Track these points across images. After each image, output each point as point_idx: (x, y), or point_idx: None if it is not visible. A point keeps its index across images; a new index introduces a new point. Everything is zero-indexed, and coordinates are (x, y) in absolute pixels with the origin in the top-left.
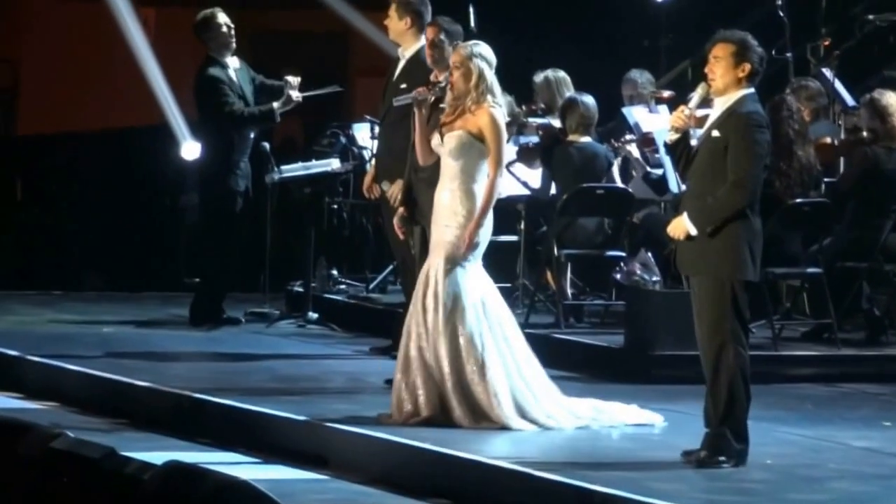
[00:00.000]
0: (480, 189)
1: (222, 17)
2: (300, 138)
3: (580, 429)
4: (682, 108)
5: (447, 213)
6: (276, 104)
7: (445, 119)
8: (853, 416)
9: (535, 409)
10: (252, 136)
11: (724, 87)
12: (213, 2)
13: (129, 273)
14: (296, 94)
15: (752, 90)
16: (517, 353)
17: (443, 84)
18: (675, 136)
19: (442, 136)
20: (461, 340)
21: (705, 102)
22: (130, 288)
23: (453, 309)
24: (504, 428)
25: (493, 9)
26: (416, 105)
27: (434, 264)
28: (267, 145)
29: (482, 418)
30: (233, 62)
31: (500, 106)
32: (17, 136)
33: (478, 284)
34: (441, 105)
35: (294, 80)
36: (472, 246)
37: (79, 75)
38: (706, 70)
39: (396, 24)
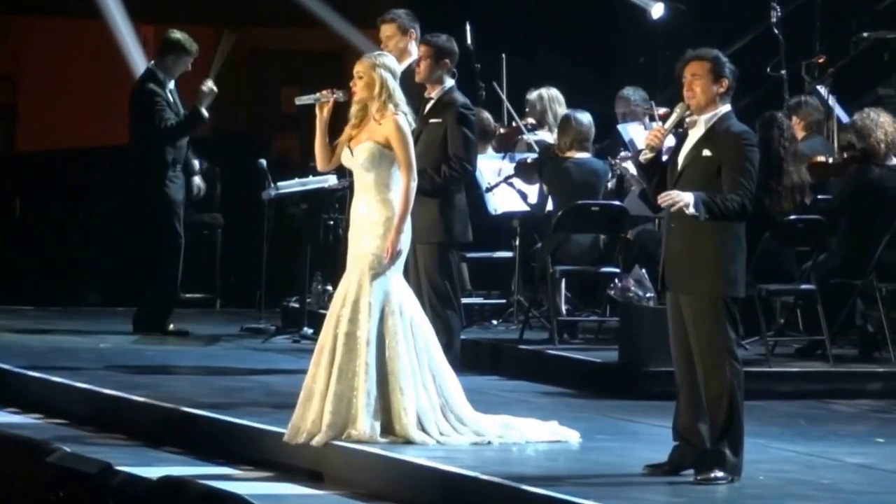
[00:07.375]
0: (396, 197)
1: (195, 50)
2: (297, 155)
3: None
4: (657, 127)
5: (364, 225)
6: (196, 104)
7: (351, 131)
8: (846, 432)
9: (432, 426)
10: (185, 147)
11: (705, 104)
12: (213, 20)
13: (127, 288)
14: (206, 86)
15: (729, 107)
16: (430, 364)
17: (344, 90)
18: (649, 156)
19: (351, 149)
20: (386, 350)
21: (681, 122)
22: (129, 303)
23: (381, 318)
24: (406, 441)
25: (490, 26)
26: (317, 107)
27: (354, 280)
28: (264, 162)
29: (387, 431)
30: (170, 84)
31: (404, 113)
32: (16, 153)
33: (399, 293)
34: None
35: (207, 84)
36: (396, 255)
37: (78, 93)
38: (684, 90)
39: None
